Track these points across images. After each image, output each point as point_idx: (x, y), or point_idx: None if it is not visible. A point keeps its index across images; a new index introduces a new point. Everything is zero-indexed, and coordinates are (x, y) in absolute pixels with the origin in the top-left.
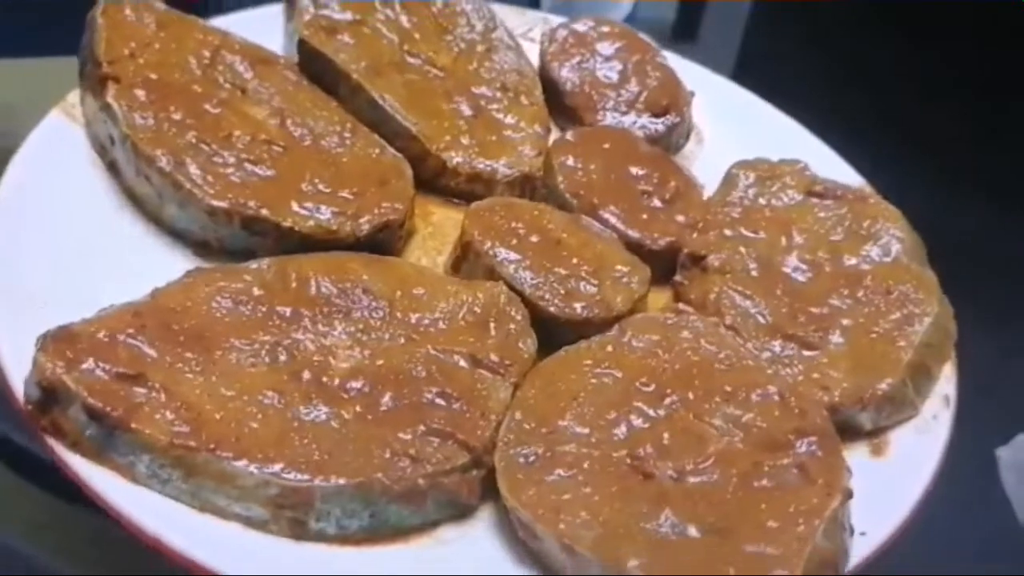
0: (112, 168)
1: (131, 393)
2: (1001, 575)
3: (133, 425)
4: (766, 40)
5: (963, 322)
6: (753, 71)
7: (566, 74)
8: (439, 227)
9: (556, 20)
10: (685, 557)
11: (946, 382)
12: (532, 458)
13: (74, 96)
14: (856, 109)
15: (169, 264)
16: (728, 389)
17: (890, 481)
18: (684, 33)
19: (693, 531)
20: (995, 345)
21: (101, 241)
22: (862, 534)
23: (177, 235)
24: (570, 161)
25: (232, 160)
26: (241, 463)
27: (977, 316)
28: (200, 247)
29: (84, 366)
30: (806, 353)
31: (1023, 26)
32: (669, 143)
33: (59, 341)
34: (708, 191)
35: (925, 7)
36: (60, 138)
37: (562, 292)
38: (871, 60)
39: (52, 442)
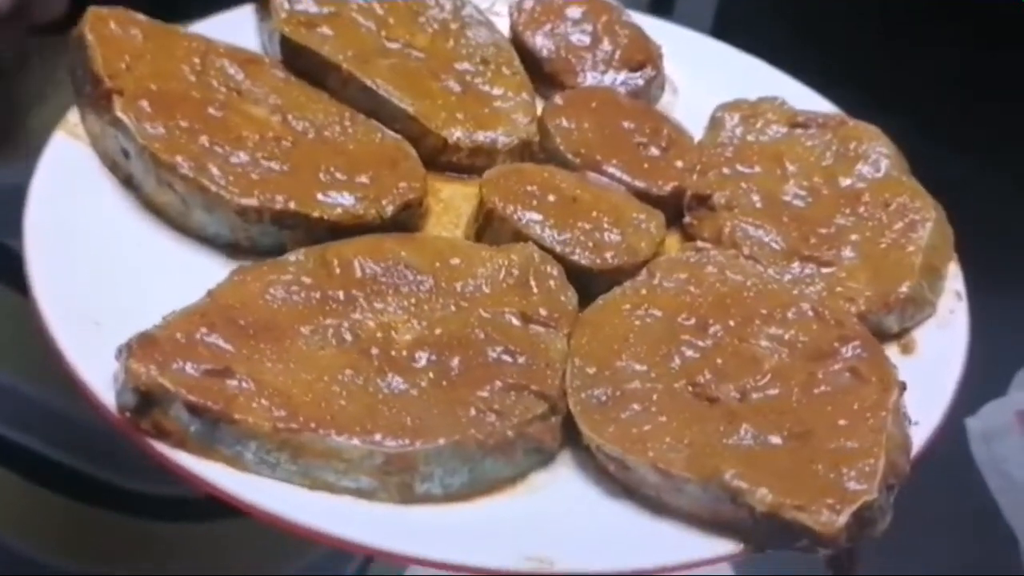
0: (128, 183)
1: (224, 386)
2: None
3: (236, 416)
4: (741, 8)
5: None
6: (729, 34)
7: (541, 42)
8: (449, 202)
9: None
10: (774, 462)
11: (953, 279)
12: (604, 398)
13: (74, 115)
14: (830, 66)
15: (207, 269)
16: (764, 312)
17: (925, 374)
18: (662, 4)
19: (775, 439)
20: None
21: (136, 256)
22: (916, 423)
23: (205, 240)
24: (564, 123)
25: (248, 159)
26: (343, 438)
27: None
28: (231, 249)
29: (175, 366)
30: (824, 271)
31: None
32: (648, 96)
33: (144, 347)
34: (694, 136)
35: None
36: (70, 160)
37: (590, 244)
38: (847, 24)
39: (157, 444)
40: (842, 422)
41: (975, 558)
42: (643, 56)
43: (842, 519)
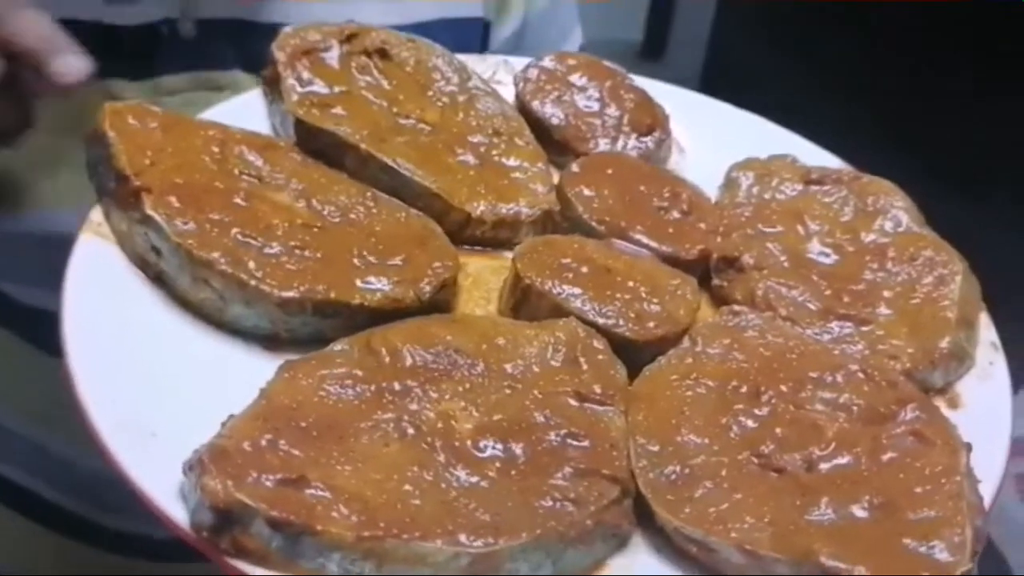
0: (159, 279)
1: (302, 496)
2: None
3: (318, 527)
4: (729, 54)
5: None
6: (718, 85)
7: (550, 110)
8: (478, 277)
9: (516, 61)
10: (861, 537)
11: (986, 329)
12: (673, 476)
13: (97, 214)
14: (822, 110)
15: (248, 363)
16: (814, 375)
17: (976, 429)
18: (652, 53)
19: (857, 512)
20: None
21: (177, 356)
22: (980, 481)
23: (242, 332)
24: (584, 191)
25: (281, 249)
26: (429, 541)
27: None
28: (269, 341)
29: (250, 480)
30: (863, 329)
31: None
32: (658, 158)
33: (217, 461)
34: (710, 197)
35: (878, 9)
36: (98, 261)
37: (632, 316)
38: (834, 64)
39: (238, 562)
40: (918, 489)
41: None
42: (651, 119)
43: None
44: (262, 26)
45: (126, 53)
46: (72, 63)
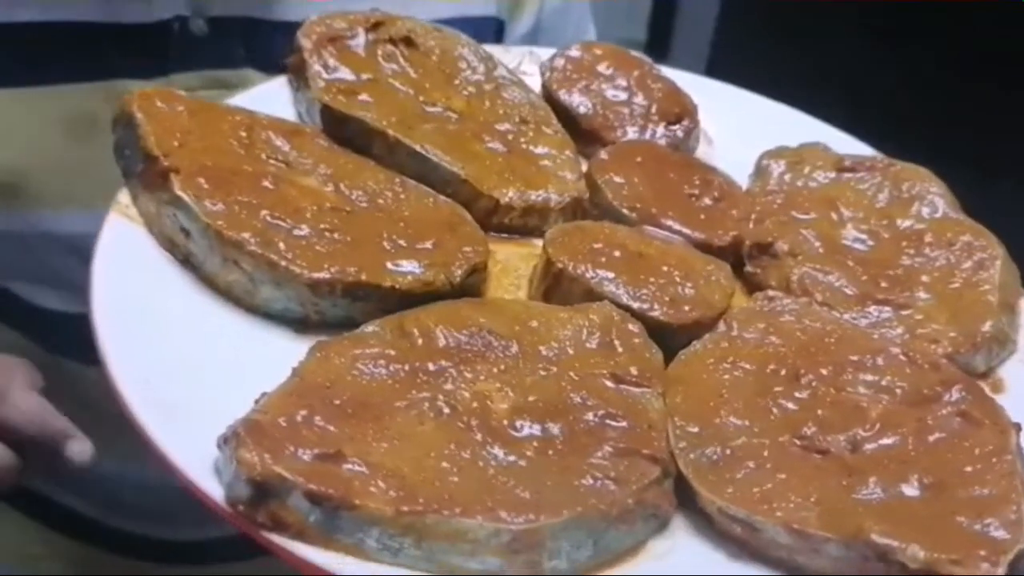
0: (187, 261)
1: (339, 471)
2: None
3: (356, 502)
4: (734, 51)
5: None
6: (724, 82)
7: (577, 99)
8: (507, 264)
9: (541, 52)
10: (912, 515)
11: None
12: (715, 457)
13: (125, 196)
14: (827, 106)
15: (279, 346)
16: (854, 358)
17: (1022, 412)
18: (656, 52)
19: (908, 491)
20: None
21: (208, 338)
22: None
23: (272, 316)
24: (614, 178)
25: (310, 231)
26: (470, 517)
27: None
28: (300, 324)
29: (287, 453)
30: (902, 313)
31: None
32: (687, 148)
33: (252, 434)
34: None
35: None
36: (126, 242)
37: (666, 300)
38: (839, 61)
39: (275, 537)
40: (969, 468)
41: None
42: (679, 109)
43: (1000, 570)
44: (274, 24)
45: (138, 51)
46: (81, 448)
